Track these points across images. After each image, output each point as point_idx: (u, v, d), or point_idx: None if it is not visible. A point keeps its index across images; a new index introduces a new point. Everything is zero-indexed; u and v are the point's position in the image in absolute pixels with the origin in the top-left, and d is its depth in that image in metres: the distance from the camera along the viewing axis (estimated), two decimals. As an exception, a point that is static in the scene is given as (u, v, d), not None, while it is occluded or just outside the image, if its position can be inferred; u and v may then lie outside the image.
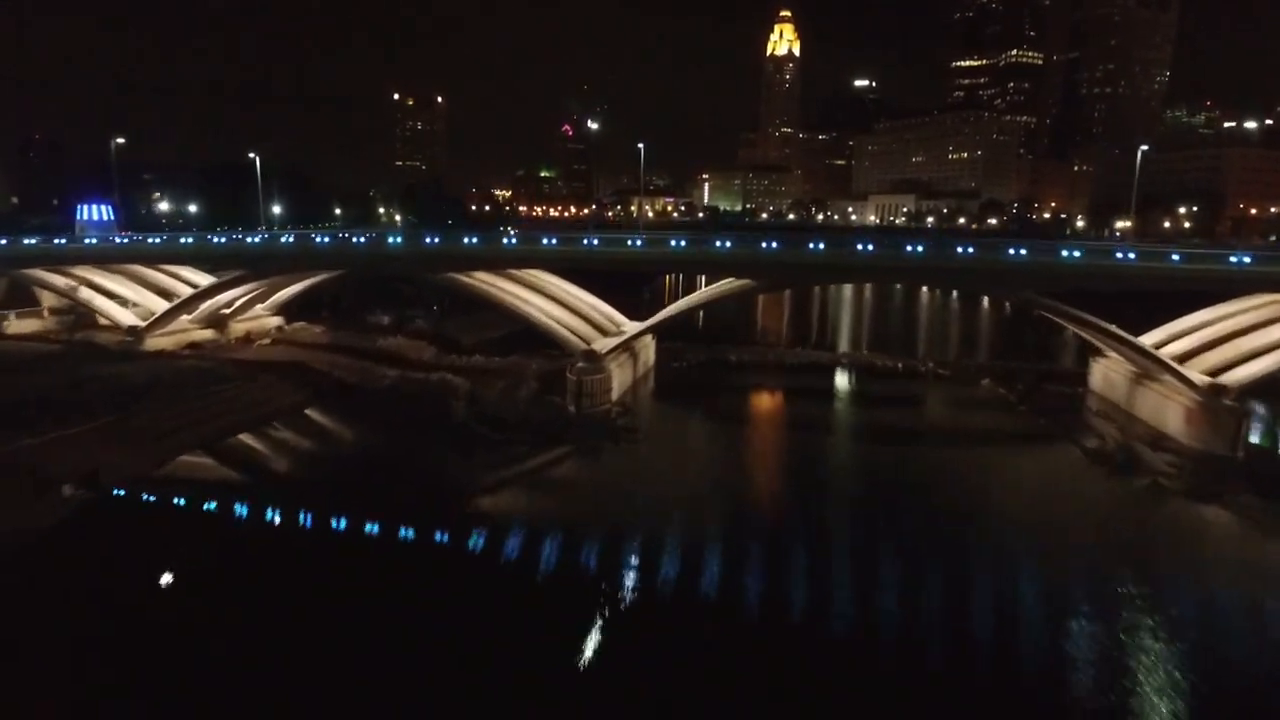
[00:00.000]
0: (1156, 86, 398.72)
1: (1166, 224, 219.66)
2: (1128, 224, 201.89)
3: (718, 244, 63.11)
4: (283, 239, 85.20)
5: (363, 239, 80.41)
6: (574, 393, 57.91)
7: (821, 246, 60.46)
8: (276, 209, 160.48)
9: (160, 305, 79.92)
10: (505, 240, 69.70)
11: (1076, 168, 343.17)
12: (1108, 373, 68.21)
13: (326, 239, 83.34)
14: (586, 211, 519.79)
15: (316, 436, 58.83)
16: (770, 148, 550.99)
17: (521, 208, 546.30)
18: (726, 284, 63.66)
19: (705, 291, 70.11)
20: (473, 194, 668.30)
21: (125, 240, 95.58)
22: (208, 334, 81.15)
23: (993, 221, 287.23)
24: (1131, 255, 62.13)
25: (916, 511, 46.38)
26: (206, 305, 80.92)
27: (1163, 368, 57.54)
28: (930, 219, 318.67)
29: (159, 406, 54.79)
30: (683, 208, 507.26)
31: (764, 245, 61.38)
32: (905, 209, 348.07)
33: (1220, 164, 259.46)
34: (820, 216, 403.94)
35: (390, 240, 77.95)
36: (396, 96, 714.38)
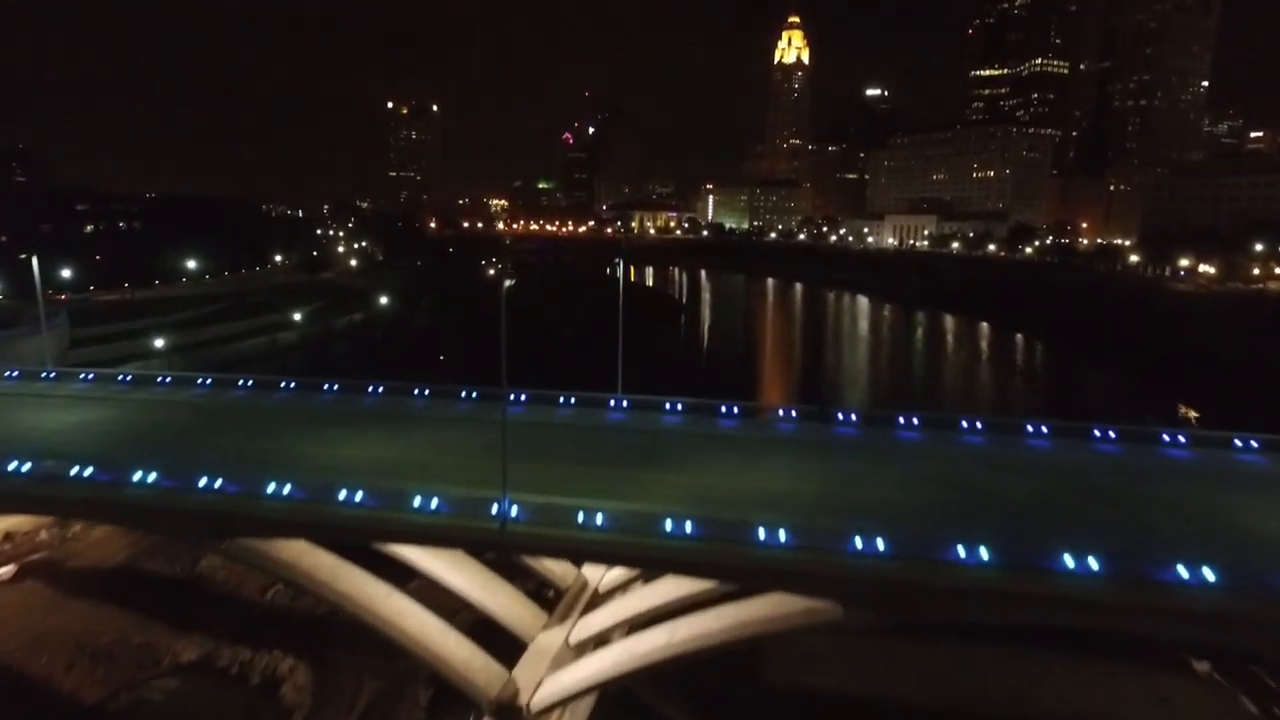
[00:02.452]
0: (1191, 97, 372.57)
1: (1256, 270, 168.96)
2: (1206, 268, 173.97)
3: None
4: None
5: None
6: None
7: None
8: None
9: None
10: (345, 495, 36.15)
11: (1113, 187, 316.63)
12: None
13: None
14: (584, 229, 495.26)
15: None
16: (778, 160, 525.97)
17: (505, 225, 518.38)
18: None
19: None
20: (463, 206, 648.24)
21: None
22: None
23: (1028, 250, 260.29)
24: None
25: None
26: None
27: None
28: (955, 244, 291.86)
29: None
30: (685, 224, 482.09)
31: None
32: (926, 231, 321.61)
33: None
34: (833, 237, 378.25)
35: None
36: (390, 105, 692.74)
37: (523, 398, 43.15)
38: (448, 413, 42.16)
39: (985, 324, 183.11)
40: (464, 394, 44.34)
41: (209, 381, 49.44)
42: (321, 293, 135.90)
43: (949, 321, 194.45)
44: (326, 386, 46.54)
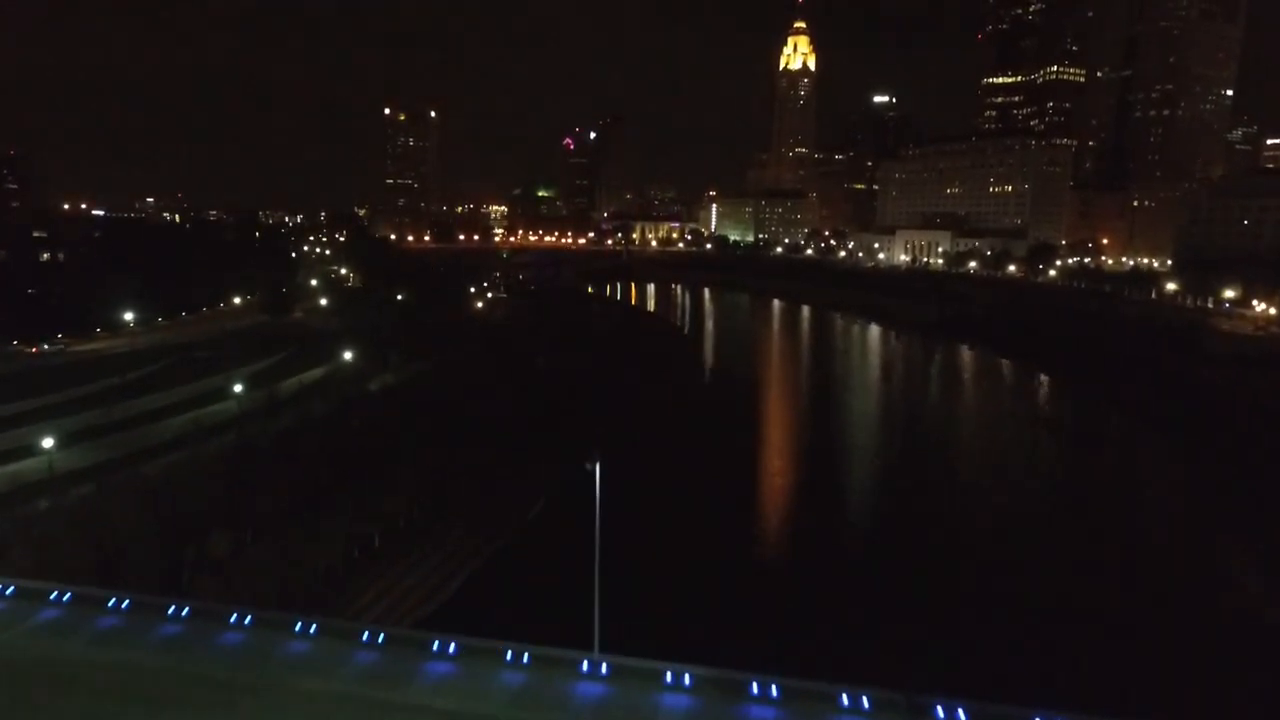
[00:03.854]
0: (1214, 107, 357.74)
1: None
2: (1264, 307, 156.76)
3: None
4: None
5: None
6: None
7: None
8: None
9: None
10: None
11: (1136, 202, 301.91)
12: None
13: None
14: (584, 240, 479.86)
15: None
16: (784, 169, 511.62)
17: (503, 237, 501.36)
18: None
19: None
20: (464, 213, 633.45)
21: None
22: None
23: (1051, 273, 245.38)
24: None
25: None
26: None
27: None
28: (972, 263, 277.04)
29: None
30: (689, 236, 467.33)
31: None
32: (941, 248, 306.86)
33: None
34: (842, 252, 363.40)
35: None
36: (388, 111, 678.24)
37: (451, 648, 28.66)
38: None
39: (1011, 362, 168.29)
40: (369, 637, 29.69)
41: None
42: (282, 340, 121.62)
43: (969, 356, 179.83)
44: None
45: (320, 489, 69.24)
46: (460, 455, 78.74)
